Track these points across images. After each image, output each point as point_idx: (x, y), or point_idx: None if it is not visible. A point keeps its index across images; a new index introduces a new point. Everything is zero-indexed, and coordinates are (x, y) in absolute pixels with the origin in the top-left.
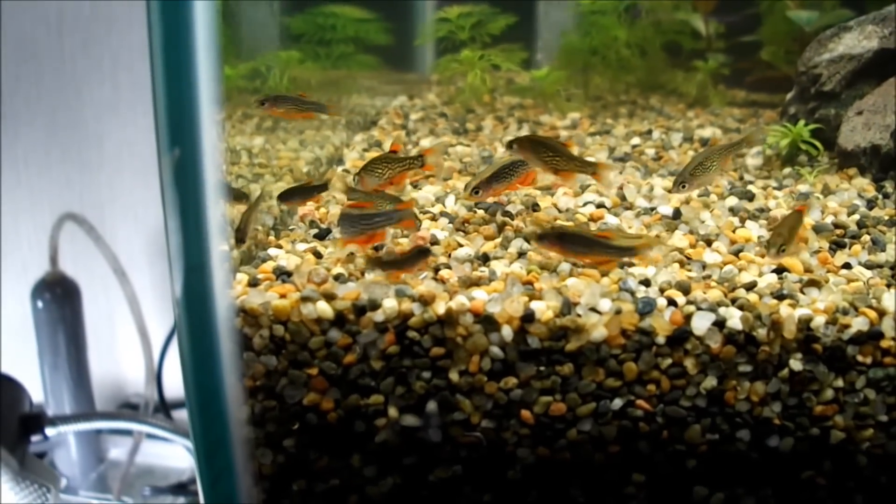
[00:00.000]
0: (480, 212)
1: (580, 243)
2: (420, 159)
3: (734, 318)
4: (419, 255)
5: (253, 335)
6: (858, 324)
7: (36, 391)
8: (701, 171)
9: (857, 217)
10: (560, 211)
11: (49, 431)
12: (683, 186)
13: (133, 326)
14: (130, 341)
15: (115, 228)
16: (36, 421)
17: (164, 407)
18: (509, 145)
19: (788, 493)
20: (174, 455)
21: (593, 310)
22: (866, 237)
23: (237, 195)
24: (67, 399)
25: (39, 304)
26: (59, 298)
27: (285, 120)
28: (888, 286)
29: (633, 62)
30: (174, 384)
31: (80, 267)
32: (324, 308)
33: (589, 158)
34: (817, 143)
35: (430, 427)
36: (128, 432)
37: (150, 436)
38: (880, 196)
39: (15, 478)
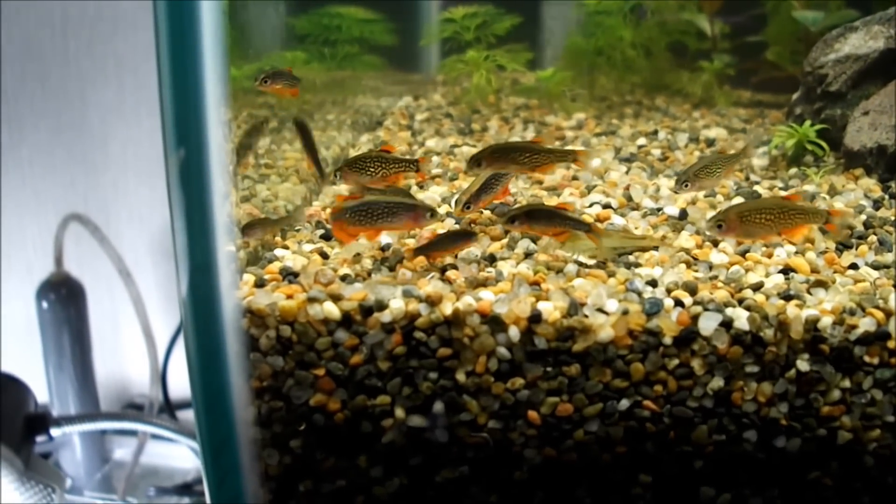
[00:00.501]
0: (487, 212)
1: (545, 217)
2: (415, 163)
3: (741, 319)
4: (462, 237)
5: (259, 336)
6: (865, 324)
7: (41, 391)
8: (706, 174)
9: (863, 217)
10: None
11: (54, 432)
12: (686, 185)
13: (138, 327)
14: (135, 342)
15: (120, 229)
16: (41, 421)
17: (168, 407)
18: (475, 162)
19: (795, 494)
20: (179, 455)
21: (600, 310)
22: (873, 237)
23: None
24: (72, 399)
25: (44, 304)
26: (63, 299)
27: (287, 122)
28: (895, 286)
29: (638, 62)
30: (179, 384)
31: (85, 267)
32: (330, 309)
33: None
34: (823, 144)
35: (436, 428)
36: (132, 433)
37: (154, 436)
38: (887, 196)
39: (20, 478)
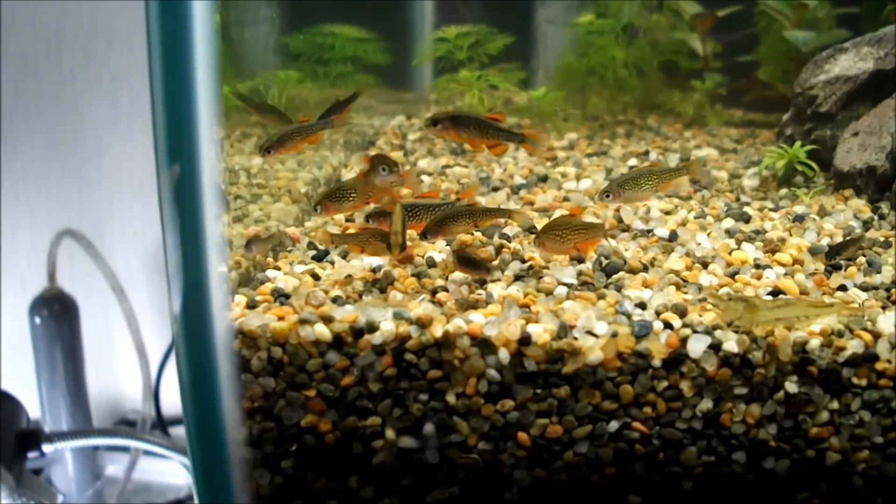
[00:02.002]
0: (478, 234)
1: (473, 125)
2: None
3: (730, 341)
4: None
5: (251, 357)
6: (854, 346)
7: (33, 407)
8: (631, 186)
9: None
10: None
11: (46, 448)
12: (608, 196)
13: (131, 343)
14: (128, 358)
15: (114, 245)
16: (33, 437)
17: (161, 423)
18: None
19: None
20: (171, 472)
21: (590, 333)
22: (862, 259)
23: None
24: (65, 415)
25: (37, 320)
26: (56, 315)
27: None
28: (883, 308)
29: (630, 82)
30: (172, 401)
31: (79, 283)
32: (322, 330)
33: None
34: (813, 164)
35: (427, 449)
36: (125, 449)
37: (147, 452)
38: (876, 217)
39: (11, 494)
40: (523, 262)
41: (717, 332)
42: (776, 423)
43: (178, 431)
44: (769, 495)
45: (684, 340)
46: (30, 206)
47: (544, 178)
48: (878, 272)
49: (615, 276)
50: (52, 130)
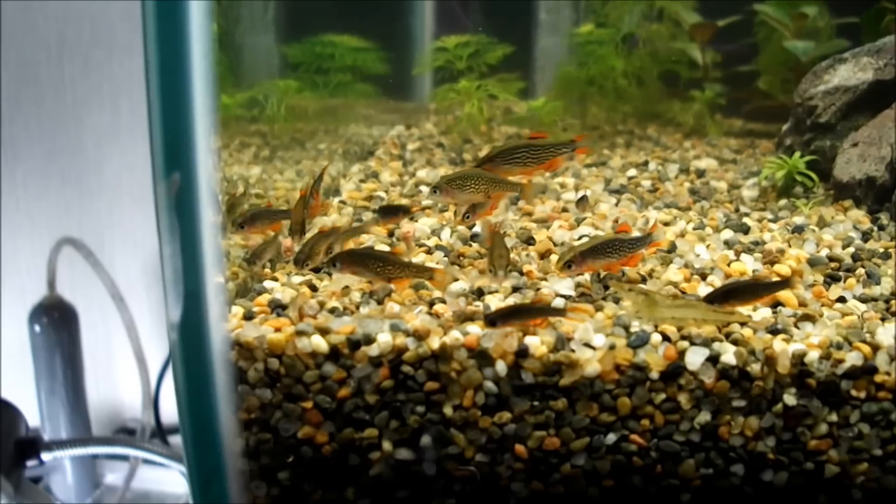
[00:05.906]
0: (476, 245)
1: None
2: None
3: (728, 353)
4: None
5: (248, 368)
6: (852, 358)
7: (32, 415)
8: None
9: (851, 250)
10: (555, 244)
11: (45, 456)
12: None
13: (130, 351)
14: (128, 366)
15: (114, 254)
16: (32, 445)
17: (160, 432)
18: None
19: None
20: (171, 480)
21: (587, 345)
22: (861, 270)
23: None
24: (64, 424)
25: (37, 328)
26: (56, 323)
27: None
28: (882, 320)
29: (630, 92)
30: (171, 409)
31: (78, 292)
32: (318, 342)
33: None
34: (813, 175)
35: (424, 461)
36: (124, 457)
37: (146, 461)
38: (875, 228)
39: (10, 503)
40: (521, 273)
41: (716, 345)
42: (775, 436)
43: (178, 440)
44: None
45: (682, 353)
46: (30, 214)
47: (543, 189)
48: (878, 283)
49: (613, 288)
50: (53, 139)
